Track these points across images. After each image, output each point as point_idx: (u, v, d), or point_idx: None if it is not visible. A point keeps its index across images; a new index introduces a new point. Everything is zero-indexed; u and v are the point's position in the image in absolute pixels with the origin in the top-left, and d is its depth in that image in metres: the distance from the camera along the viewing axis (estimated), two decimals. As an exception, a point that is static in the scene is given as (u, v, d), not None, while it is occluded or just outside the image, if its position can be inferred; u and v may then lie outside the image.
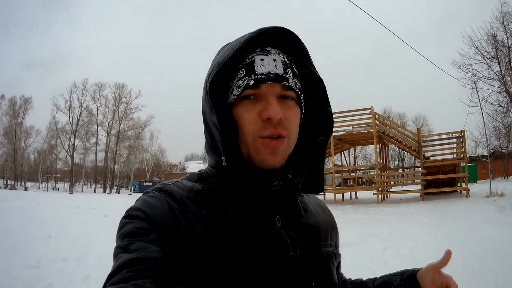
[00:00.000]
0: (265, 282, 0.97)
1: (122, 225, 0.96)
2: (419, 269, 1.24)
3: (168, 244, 0.90)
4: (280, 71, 1.04)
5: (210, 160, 1.18)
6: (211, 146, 1.12)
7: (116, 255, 0.89)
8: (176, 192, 1.03)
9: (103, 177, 79.32)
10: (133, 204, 1.02)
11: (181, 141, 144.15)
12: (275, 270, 1.00)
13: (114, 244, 0.93)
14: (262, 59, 1.04)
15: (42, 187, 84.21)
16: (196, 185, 1.08)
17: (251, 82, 1.02)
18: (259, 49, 1.07)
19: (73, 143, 75.28)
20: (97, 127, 78.05)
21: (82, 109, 76.41)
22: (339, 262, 1.34)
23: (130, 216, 0.97)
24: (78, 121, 75.60)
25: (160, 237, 0.90)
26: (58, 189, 76.72)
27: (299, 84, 1.09)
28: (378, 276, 1.37)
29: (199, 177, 1.15)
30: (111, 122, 78.01)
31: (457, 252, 8.30)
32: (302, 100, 1.13)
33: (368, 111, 24.59)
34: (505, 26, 22.48)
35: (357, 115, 25.33)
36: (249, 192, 1.07)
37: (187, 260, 0.90)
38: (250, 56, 1.05)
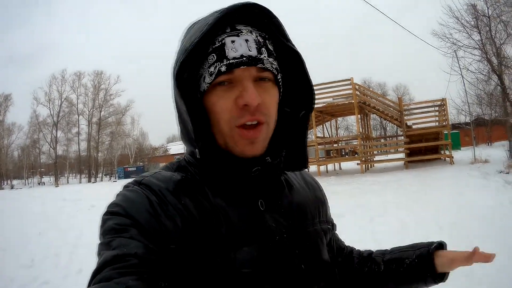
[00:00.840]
0: (251, 270, 0.96)
1: (103, 222, 0.94)
2: (433, 247, 1.20)
3: (148, 238, 0.88)
4: (253, 52, 0.98)
5: (187, 148, 1.14)
6: (185, 135, 1.07)
7: (99, 252, 0.88)
8: (154, 185, 0.99)
9: (87, 167, 78.58)
10: (113, 199, 1.00)
11: (163, 123, 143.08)
12: (261, 256, 0.99)
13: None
14: (233, 41, 0.98)
15: (28, 184, 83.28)
16: (175, 174, 1.05)
17: (223, 68, 0.96)
18: (229, 29, 1.00)
19: (55, 135, 74.40)
20: (78, 116, 77.11)
21: (62, 99, 75.31)
22: (331, 238, 1.31)
23: (110, 212, 0.95)
24: (58, 112, 74.52)
25: (140, 232, 0.89)
26: (44, 183, 76.33)
27: (275, 64, 1.04)
28: (388, 249, 1.35)
29: (178, 165, 1.12)
30: (91, 110, 77.05)
31: (443, 219, 8.47)
32: (280, 80, 1.08)
33: (348, 82, 24.56)
34: (485, -4, 22.54)
35: (337, 86, 25.29)
36: (228, 179, 1.04)
37: (169, 253, 0.89)
38: (220, 39, 0.99)
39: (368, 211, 10.48)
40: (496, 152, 24.75)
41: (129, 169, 69.69)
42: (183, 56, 0.97)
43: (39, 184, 77.28)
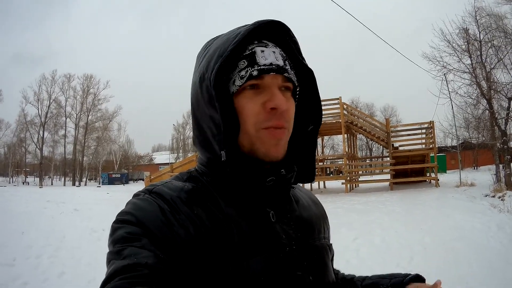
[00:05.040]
0: (263, 280, 0.97)
1: (113, 230, 0.94)
2: (408, 278, 1.23)
3: (160, 248, 0.88)
4: (280, 62, 1.04)
5: (200, 158, 1.16)
6: (202, 141, 1.11)
7: (109, 261, 0.88)
8: (166, 193, 1.00)
9: (72, 170, 77.86)
10: (124, 208, 1.00)
11: (149, 132, 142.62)
12: (272, 266, 1.00)
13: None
14: (262, 51, 1.04)
15: (12, 182, 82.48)
16: (186, 184, 1.06)
17: (254, 73, 1.01)
18: (257, 41, 1.06)
19: (42, 135, 73.36)
20: (66, 119, 75.99)
21: (51, 101, 74.26)
22: (333, 254, 1.35)
23: (121, 221, 0.95)
24: (46, 113, 73.32)
25: (152, 241, 0.89)
26: (28, 183, 75.32)
27: (295, 77, 1.10)
28: (369, 275, 1.39)
29: (189, 176, 1.12)
30: (79, 114, 76.07)
31: (429, 241, 8.55)
32: (297, 92, 1.14)
33: (336, 101, 24.63)
34: (477, 21, 22.58)
35: (325, 105, 25.34)
36: (242, 188, 1.07)
37: (182, 263, 0.90)
38: (250, 48, 1.04)
39: (352, 230, 10.49)
40: (482, 176, 24.87)
41: (113, 175, 69.53)
42: (220, 61, 1.00)
43: (23, 183, 76.28)
